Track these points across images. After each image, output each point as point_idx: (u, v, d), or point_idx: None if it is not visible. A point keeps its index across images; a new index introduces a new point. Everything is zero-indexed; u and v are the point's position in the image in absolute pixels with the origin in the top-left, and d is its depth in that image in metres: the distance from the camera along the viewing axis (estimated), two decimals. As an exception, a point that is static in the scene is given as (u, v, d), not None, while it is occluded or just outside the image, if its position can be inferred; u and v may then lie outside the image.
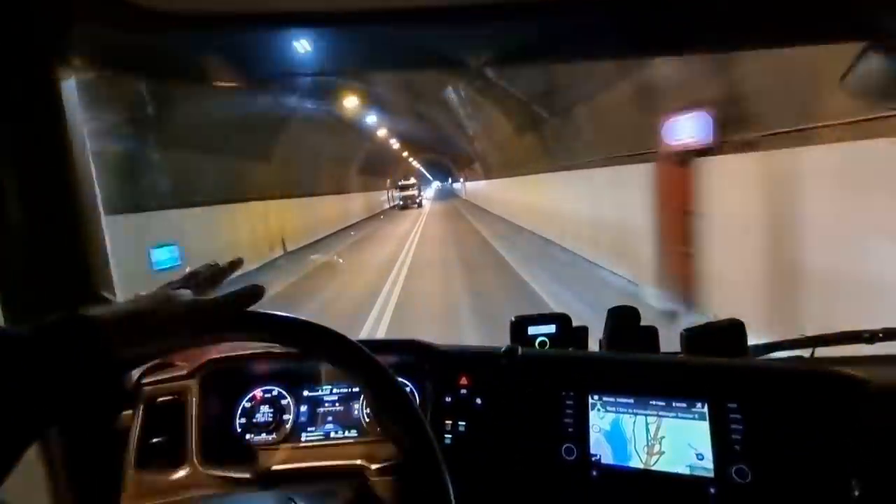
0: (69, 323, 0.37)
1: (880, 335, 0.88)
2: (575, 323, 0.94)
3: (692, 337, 0.85)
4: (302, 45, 0.82)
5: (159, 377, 0.77)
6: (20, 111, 0.67)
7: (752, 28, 1.06)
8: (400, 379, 0.53)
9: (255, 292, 0.48)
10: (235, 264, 0.56)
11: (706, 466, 0.62)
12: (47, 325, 0.36)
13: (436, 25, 0.86)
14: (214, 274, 0.53)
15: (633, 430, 0.67)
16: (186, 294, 0.46)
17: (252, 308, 0.48)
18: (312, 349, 0.55)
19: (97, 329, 0.37)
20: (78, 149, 0.72)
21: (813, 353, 0.92)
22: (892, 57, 1.11)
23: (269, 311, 0.49)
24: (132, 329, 0.40)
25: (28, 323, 0.36)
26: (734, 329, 0.88)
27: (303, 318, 0.50)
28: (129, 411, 0.74)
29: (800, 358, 0.92)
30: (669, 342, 0.89)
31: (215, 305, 0.46)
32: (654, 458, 0.65)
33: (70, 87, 0.71)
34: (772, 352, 0.97)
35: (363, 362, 0.50)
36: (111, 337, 0.38)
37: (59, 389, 0.35)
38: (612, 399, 0.69)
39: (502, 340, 0.86)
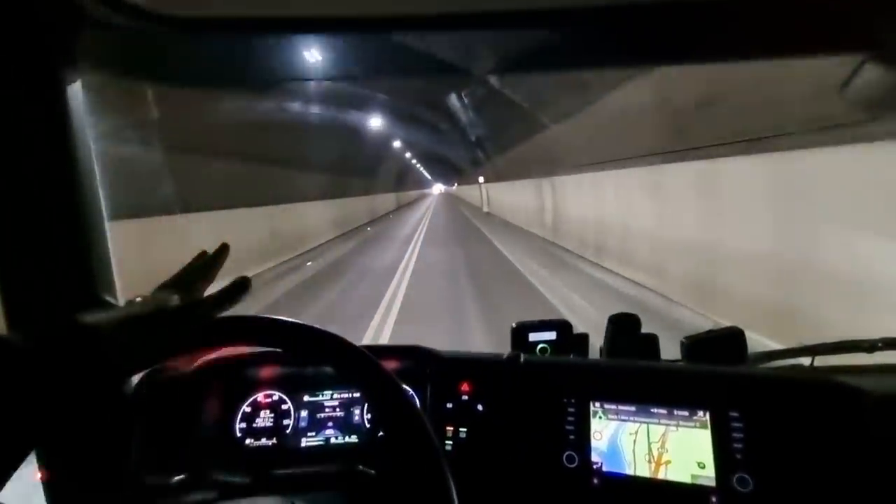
0: (70, 333, 0.37)
1: (879, 345, 0.88)
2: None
3: (692, 345, 0.86)
4: (309, 51, 0.83)
5: (159, 381, 0.76)
6: (25, 114, 0.67)
7: (752, 39, 1.08)
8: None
9: (242, 284, 0.49)
10: (222, 252, 0.54)
11: (708, 475, 0.62)
12: (48, 335, 0.36)
13: (441, 33, 0.87)
14: (205, 268, 0.52)
15: (635, 439, 0.67)
16: (180, 296, 0.46)
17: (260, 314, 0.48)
18: (315, 354, 0.55)
19: (97, 339, 0.37)
20: (83, 152, 0.72)
21: (812, 362, 0.93)
22: (891, 68, 1.12)
23: (273, 316, 0.49)
24: (131, 337, 0.39)
25: (30, 327, 0.35)
26: (734, 337, 0.88)
27: (306, 322, 0.50)
28: (129, 415, 0.73)
29: (799, 367, 0.93)
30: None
31: (208, 307, 0.46)
32: (656, 466, 0.65)
33: (76, 91, 0.71)
34: (771, 360, 0.98)
35: (367, 368, 0.50)
36: (111, 346, 0.38)
37: (59, 400, 0.35)
38: (613, 407, 0.69)
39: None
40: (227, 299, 0.48)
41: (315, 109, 8.20)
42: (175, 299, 0.45)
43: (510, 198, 14.66)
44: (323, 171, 11.63)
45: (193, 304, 0.46)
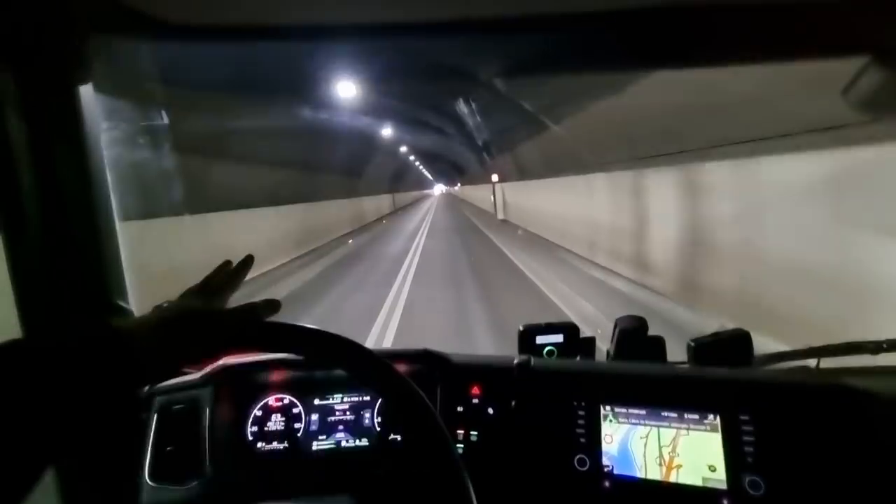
0: (100, 337, 0.37)
1: (885, 346, 0.89)
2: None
3: (699, 347, 0.86)
4: (317, 58, 0.83)
5: (172, 385, 0.77)
6: (37, 120, 0.67)
7: (754, 43, 1.08)
8: None
9: (273, 306, 0.49)
10: (247, 263, 0.55)
11: (719, 478, 0.63)
12: (78, 340, 0.36)
13: (446, 38, 0.87)
14: (231, 277, 0.53)
15: (646, 442, 0.67)
16: (206, 304, 0.47)
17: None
18: (331, 360, 0.55)
19: (127, 344, 0.37)
20: (94, 157, 0.72)
21: (818, 363, 0.93)
22: (894, 70, 1.13)
23: (287, 323, 0.50)
24: (163, 342, 0.40)
25: (51, 331, 0.35)
26: (740, 339, 0.89)
27: (320, 328, 0.50)
28: (142, 419, 0.74)
29: (806, 369, 0.93)
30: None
31: (237, 318, 0.46)
32: (667, 469, 0.65)
33: (87, 96, 0.72)
34: (777, 362, 0.98)
35: (382, 373, 0.50)
36: (142, 351, 0.38)
37: (88, 406, 0.35)
38: (624, 410, 0.69)
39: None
40: (257, 314, 0.48)
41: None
42: (204, 306, 0.45)
43: (536, 201, 10.51)
44: (286, 168, 8.48)
45: (223, 312, 0.46)
